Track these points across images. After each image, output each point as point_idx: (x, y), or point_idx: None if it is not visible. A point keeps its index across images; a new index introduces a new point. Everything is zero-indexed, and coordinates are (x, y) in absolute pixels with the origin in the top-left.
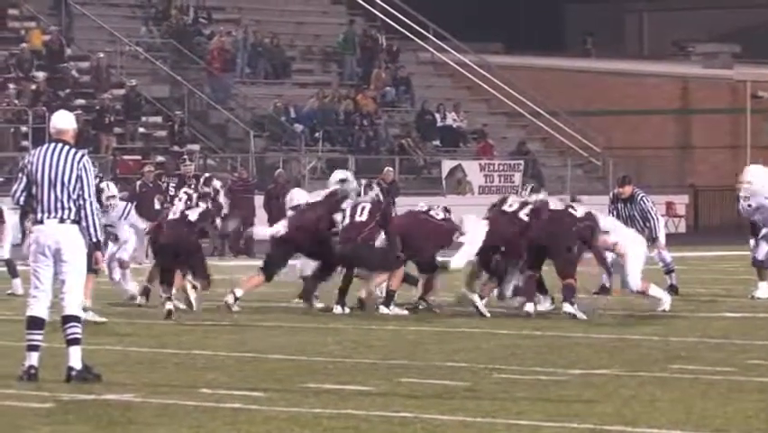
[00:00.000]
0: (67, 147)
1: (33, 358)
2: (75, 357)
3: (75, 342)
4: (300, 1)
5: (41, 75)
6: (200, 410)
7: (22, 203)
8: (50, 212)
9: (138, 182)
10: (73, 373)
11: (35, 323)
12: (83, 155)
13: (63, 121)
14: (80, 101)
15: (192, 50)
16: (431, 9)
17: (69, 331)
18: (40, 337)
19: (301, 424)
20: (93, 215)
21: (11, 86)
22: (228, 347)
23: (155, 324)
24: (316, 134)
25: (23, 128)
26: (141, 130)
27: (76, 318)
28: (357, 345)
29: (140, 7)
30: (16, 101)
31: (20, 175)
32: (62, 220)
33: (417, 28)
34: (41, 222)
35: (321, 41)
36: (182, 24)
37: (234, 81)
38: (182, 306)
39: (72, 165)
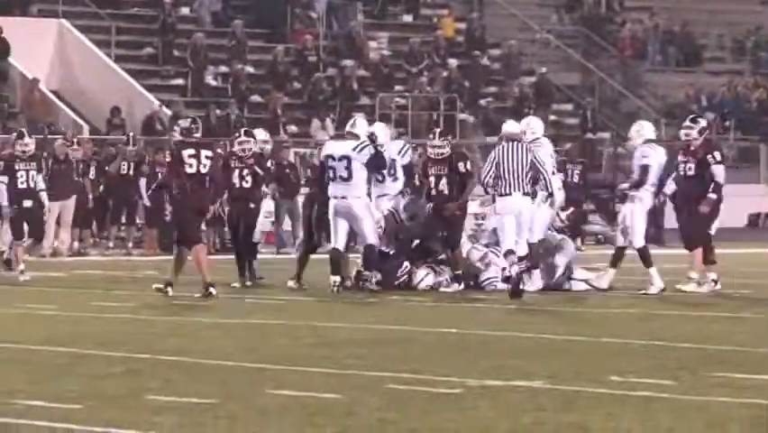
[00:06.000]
0: (518, 143)
1: None
2: None
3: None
4: None
5: (454, 62)
6: (610, 398)
7: (489, 185)
8: (514, 187)
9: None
10: None
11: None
12: (530, 147)
13: (514, 127)
14: (491, 89)
15: (603, 38)
16: None
17: None
18: None
19: (711, 414)
20: (548, 181)
21: (425, 73)
22: (635, 335)
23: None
24: (727, 123)
25: (435, 115)
26: (552, 117)
27: None
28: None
29: None
30: (428, 88)
31: (488, 165)
32: (525, 193)
33: None
34: (509, 194)
35: (734, 29)
36: (594, 12)
37: (645, 69)
38: None
39: (525, 154)
